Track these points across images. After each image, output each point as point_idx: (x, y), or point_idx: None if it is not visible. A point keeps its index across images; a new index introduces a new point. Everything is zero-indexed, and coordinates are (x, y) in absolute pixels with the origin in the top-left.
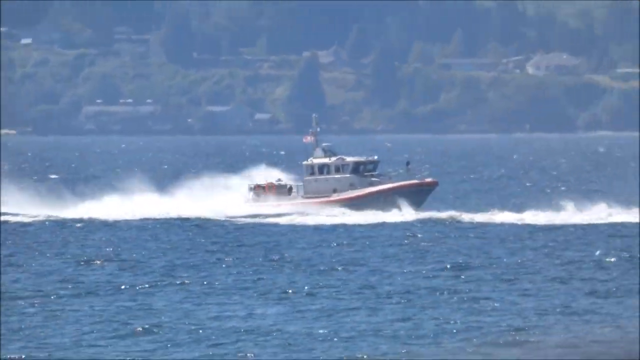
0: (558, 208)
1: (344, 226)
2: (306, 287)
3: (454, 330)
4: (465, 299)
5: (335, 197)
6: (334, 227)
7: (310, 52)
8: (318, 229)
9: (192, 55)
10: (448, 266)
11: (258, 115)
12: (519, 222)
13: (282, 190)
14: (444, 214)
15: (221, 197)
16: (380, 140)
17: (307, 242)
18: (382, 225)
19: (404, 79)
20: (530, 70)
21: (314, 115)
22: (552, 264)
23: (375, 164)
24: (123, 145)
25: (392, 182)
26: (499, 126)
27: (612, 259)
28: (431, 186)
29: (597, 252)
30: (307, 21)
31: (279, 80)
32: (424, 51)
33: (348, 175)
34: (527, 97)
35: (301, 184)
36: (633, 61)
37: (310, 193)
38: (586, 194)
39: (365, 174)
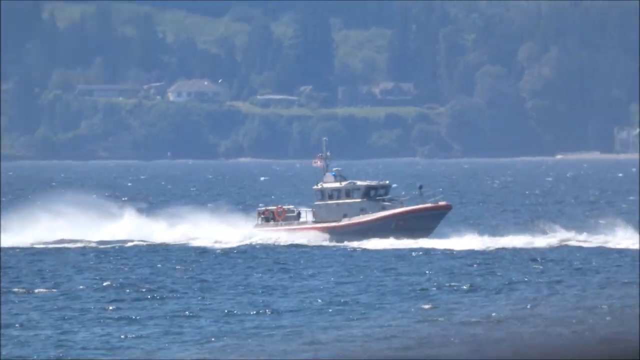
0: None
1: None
2: None
3: None
4: None
5: (345, 222)
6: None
7: None
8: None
9: None
10: None
11: None
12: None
13: (291, 215)
14: None
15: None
16: (20, 166)
17: None
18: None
19: (44, 105)
20: (171, 96)
21: (324, 138)
22: None
23: (386, 188)
24: None
25: (404, 206)
26: (141, 152)
27: None
28: (444, 210)
29: None
30: None
31: None
32: (64, 77)
33: (359, 200)
34: (169, 123)
35: (310, 209)
36: (273, 88)
37: (320, 218)
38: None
39: (377, 198)
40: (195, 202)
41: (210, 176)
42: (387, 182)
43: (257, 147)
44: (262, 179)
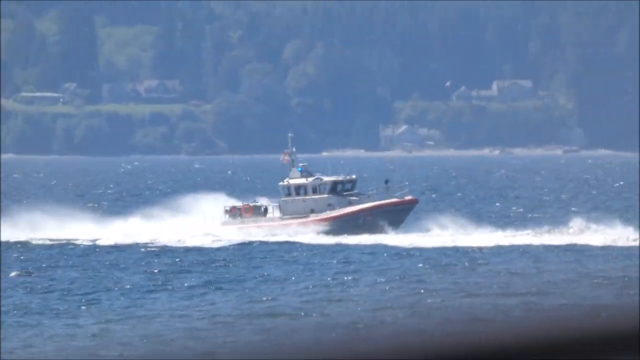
0: None
1: None
2: None
3: None
4: None
5: (312, 217)
6: None
7: None
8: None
9: None
10: None
11: None
12: None
13: (258, 211)
14: None
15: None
16: None
17: None
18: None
19: None
20: None
21: (289, 134)
22: None
23: (353, 182)
24: None
25: (371, 201)
26: None
27: None
28: (411, 204)
29: None
30: None
31: None
32: None
33: (326, 196)
34: None
35: (277, 204)
36: (37, 85)
37: (287, 214)
38: None
39: (344, 193)
40: None
41: None
42: (354, 176)
43: (20, 144)
44: (14, 176)
